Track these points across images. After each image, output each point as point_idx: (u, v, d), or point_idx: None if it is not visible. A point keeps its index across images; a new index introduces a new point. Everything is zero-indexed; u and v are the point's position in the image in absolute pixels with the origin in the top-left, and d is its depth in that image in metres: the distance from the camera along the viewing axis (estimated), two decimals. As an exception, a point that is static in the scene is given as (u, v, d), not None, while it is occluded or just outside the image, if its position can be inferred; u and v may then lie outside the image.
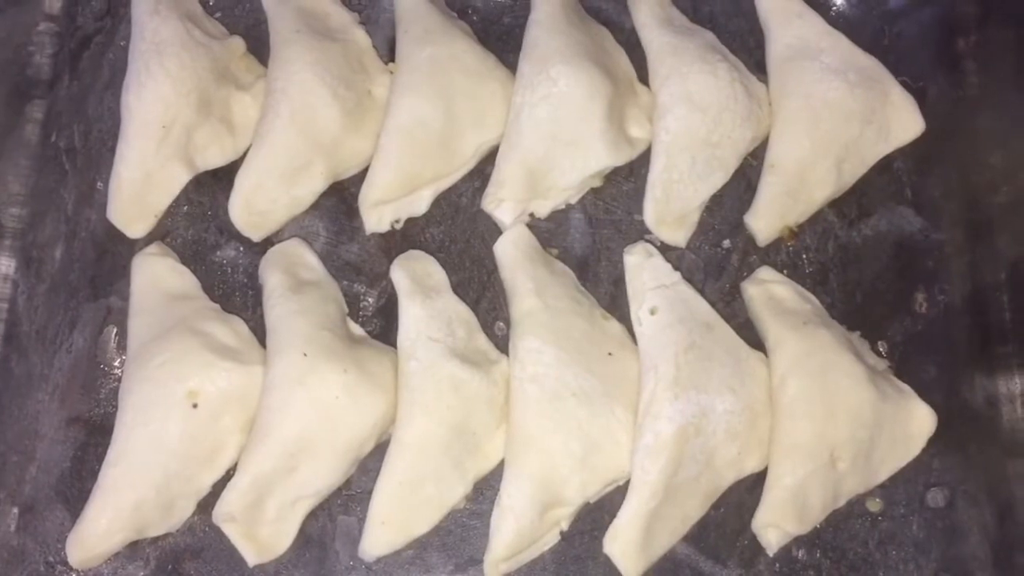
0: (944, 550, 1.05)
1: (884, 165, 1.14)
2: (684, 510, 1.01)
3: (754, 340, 1.07)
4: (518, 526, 0.98)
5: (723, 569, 1.03)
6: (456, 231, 1.13)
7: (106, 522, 0.98)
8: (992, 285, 1.11)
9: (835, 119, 1.11)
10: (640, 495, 0.98)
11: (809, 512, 1.00)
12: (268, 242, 1.11)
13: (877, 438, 1.02)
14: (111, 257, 1.12)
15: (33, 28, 1.18)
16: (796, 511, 0.99)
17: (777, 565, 1.03)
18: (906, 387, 1.06)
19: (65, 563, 1.00)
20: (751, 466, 1.02)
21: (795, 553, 1.04)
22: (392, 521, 0.99)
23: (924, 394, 1.06)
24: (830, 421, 1.00)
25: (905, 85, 1.14)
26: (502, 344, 1.07)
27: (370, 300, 1.11)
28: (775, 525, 1.00)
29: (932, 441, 1.05)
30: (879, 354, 1.09)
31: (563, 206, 1.13)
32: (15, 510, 1.04)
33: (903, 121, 1.13)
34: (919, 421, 1.04)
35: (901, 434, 1.04)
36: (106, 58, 1.18)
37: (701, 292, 1.08)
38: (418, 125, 1.09)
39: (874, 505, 1.05)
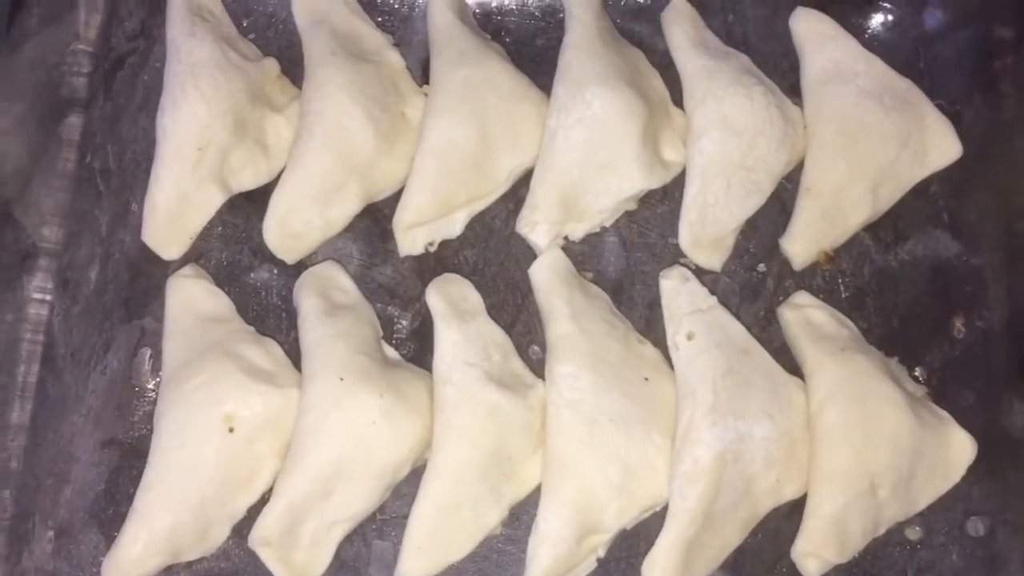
0: (984, 579, 1.04)
1: (920, 189, 1.13)
2: (722, 537, 1.00)
3: (790, 365, 1.06)
4: (555, 553, 0.97)
5: (760, 597, 1.03)
6: (490, 254, 1.12)
7: (141, 546, 0.98)
8: (1031, 310, 1.10)
9: (871, 143, 1.10)
10: (679, 522, 0.97)
11: (849, 540, 0.99)
12: (302, 264, 1.11)
13: (917, 465, 1.01)
14: (145, 279, 1.11)
15: (67, 49, 1.18)
16: (836, 540, 0.98)
17: (814, 594, 1.03)
18: (945, 414, 1.05)
19: (100, 587, 1.00)
20: (789, 493, 1.02)
21: (833, 581, 1.03)
22: (428, 546, 0.99)
23: (962, 421, 1.04)
24: (870, 448, 0.99)
25: (941, 108, 1.14)
26: (537, 368, 1.06)
27: (404, 323, 1.10)
28: (815, 554, 0.99)
29: (971, 469, 1.04)
30: (917, 380, 1.08)
31: (597, 229, 1.12)
32: (50, 533, 1.04)
33: (940, 145, 1.13)
34: (958, 448, 1.03)
35: (941, 461, 1.03)
36: (140, 79, 1.18)
37: (736, 316, 1.07)
38: (452, 147, 1.08)
39: (913, 533, 1.04)
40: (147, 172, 1.11)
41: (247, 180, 1.12)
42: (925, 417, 1.02)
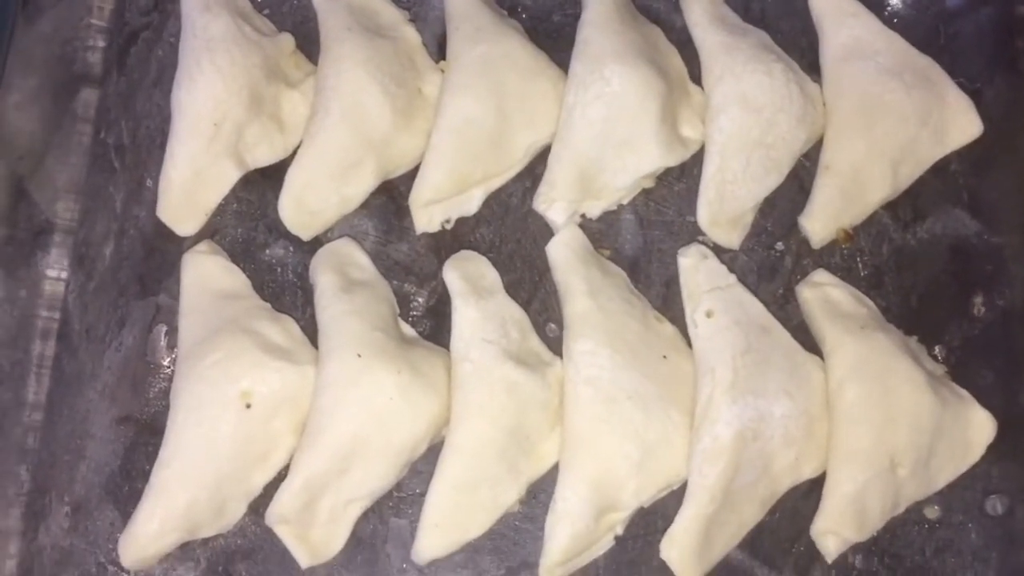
0: (1003, 558, 1.03)
1: (940, 167, 1.12)
2: (741, 516, 1.00)
3: (809, 343, 1.05)
4: (574, 531, 0.97)
5: (779, 575, 1.02)
6: (507, 231, 1.12)
7: (158, 523, 0.97)
8: (1051, 289, 1.10)
9: (891, 121, 1.09)
10: (698, 500, 0.97)
11: (868, 519, 0.99)
12: (317, 241, 1.10)
13: (936, 444, 1.01)
14: (160, 255, 1.11)
15: (81, 23, 1.17)
16: (855, 518, 0.98)
17: (833, 572, 1.02)
18: (965, 393, 1.04)
19: (116, 563, 1.00)
20: (808, 472, 1.01)
21: (851, 560, 1.02)
22: (445, 524, 0.98)
23: (982, 400, 1.04)
24: (889, 426, 0.98)
25: (961, 86, 1.13)
26: (555, 346, 1.06)
27: (420, 300, 1.10)
28: (834, 532, 0.99)
29: (991, 448, 1.03)
30: (936, 359, 1.07)
31: (615, 207, 1.12)
32: (66, 509, 1.04)
33: (960, 123, 1.12)
34: (978, 427, 1.03)
35: (960, 440, 1.02)
36: (154, 54, 1.17)
37: (754, 295, 1.06)
38: (469, 124, 1.08)
39: (932, 512, 1.04)
40: (162, 148, 1.10)
41: (262, 156, 1.11)
42: (945, 396, 1.02)
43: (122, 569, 1.01)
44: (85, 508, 1.04)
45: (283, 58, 1.13)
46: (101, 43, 1.18)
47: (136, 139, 1.15)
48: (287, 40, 1.14)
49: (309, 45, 1.16)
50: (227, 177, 1.10)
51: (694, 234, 1.11)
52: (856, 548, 1.01)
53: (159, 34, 1.18)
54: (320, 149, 1.08)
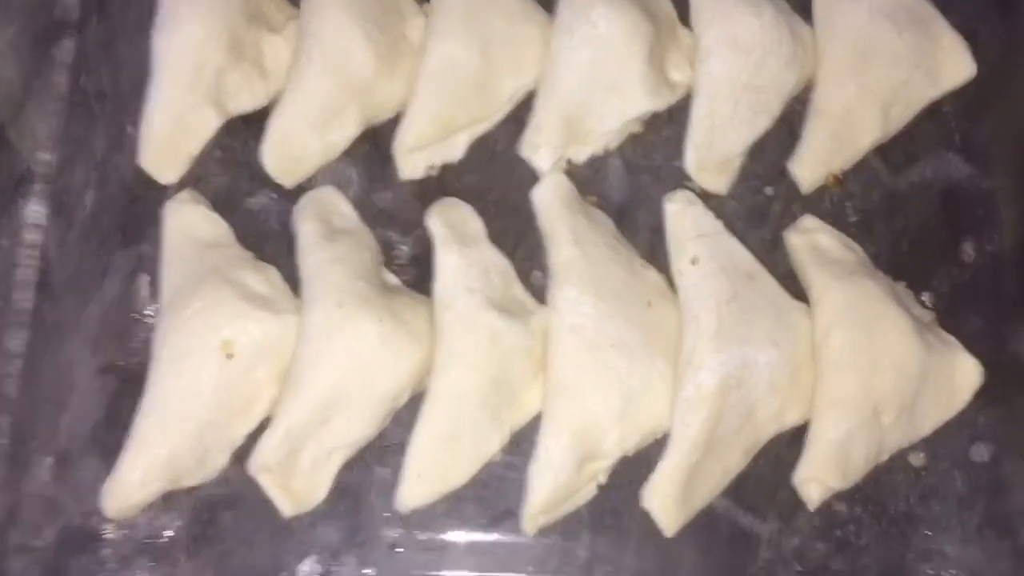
0: (988, 505, 1.03)
1: (932, 110, 1.11)
2: (724, 464, 0.99)
3: (796, 290, 1.05)
4: (556, 480, 0.96)
5: (762, 523, 1.02)
6: (492, 178, 1.10)
7: (140, 472, 0.97)
8: (1043, 234, 1.08)
9: (883, 63, 1.08)
10: (680, 448, 0.97)
11: (852, 466, 0.98)
12: (301, 189, 1.09)
13: (922, 391, 1.00)
14: (142, 204, 1.09)
15: (59, -32, 1.15)
16: (839, 465, 0.98)
17: (816, 519, 1.02)
18: (952, 339, 1.03)
19: (100, 513, 1.00)
20: (792, 420, 1.01)
21: (835, 507, 1.02)
22: (428, 473, 0.98)
23: (970, 346, 1.03)
24: (875, 374, 0.98)
25: (956, 26, 1.11)
26: (539, 294, 1.05)
27: (404, 248, 1.08)
28: (817, 480, 0.98)
29: (978, 394, 1.03)
30: (924, 305, 1.07)
31: (601, 152, 1.10)
32: (50, 460, 1.03)
33: (953, 64, 1.10)
34: (965, 374, 1.02)
35: (946, 387, 1.02)
36: (134, -1, 1.15)
37: (742, 241, 1.05)
38: (453, 69, 1.06)
39: (917, 459, 1.03)
40: (142, 95, 1.08)
41: (245, 103, 1.10)
42: (932, 342, 1.01)
43: (106, 519, 1.01)
44: (68, 459, 1.03)
45: (264, 2, 1.11)
46: (80, -12, 1.16)
47: (117, 86, 1.13)
48: (268, -17, 1.12)
49: (292, -12, 1.14)
50: (208, 124, 1.08)
51: (682, 180, 1.09)
52: (840, 495, 1.01)
53: (139, -23, 1.16)
54: (302, 96, 1.06)
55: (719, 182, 1.08)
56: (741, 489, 1.02)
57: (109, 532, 1.01)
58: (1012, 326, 1.07)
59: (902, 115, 1.09)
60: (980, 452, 1.04)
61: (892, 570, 1.02)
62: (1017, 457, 1.04)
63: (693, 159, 1.07)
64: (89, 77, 1.14)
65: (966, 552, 1.02)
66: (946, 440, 1.04)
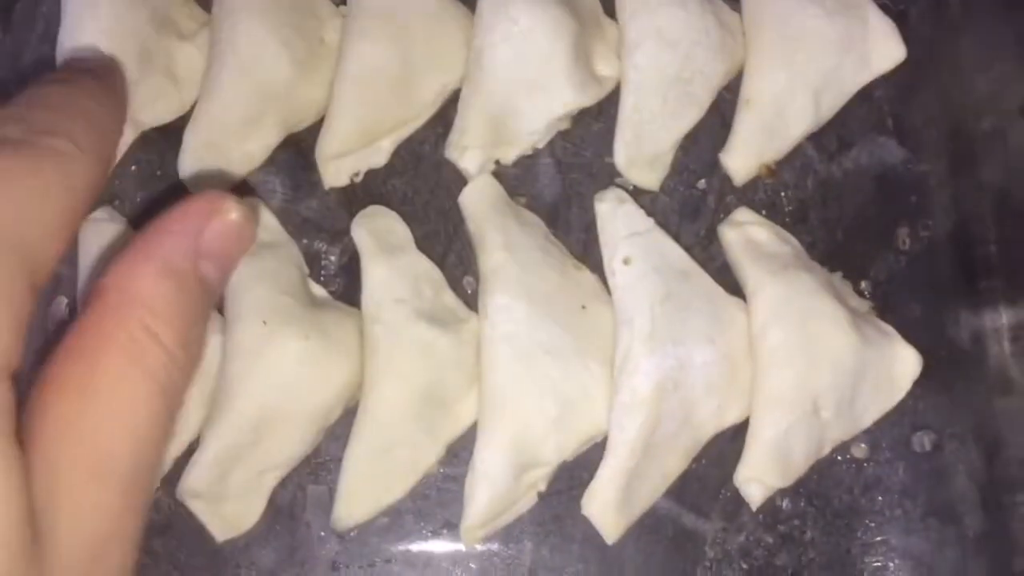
0: (931, 493, 1.02)
1: (864, 94, 1.09)
2: (664, 467, 0.98)
3: (734, 284, 1.03)
4: (493, 491, 0.95)
5: (706, 522, 1.01)
6: (419, 182, 1.07)
7: (67, 503, 0.95)
8: (976, 216, 1.07)
9: (812, 49, 1.05)
10: (618, 454, 0.95)
11: (792, 464, 0.97)
12: (222, 201, 1.05)
13: (861, 384, 0.99)
14: (57, 224, 1.06)
15: (-40, -17, 1.11)
16: (779, 464, 0.96)
17: (761, 516, 1.01)
18: (890, 329, 1.02)
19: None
20: (732, 418, 0.99)
21: (779, 503, 1.01)
22: (363, 490, 0.96)
23: (908, 334, 1.02)
24: (812, 369, 0.96)
25: (885, 9, 1.08)
26: (471, 300, 1.03)
27: (332, 258, 1.06)
28: (757, 479, 0.97)
29: (917, 383, 1.01)
30: (862, 294, 1.05)
31: (530, 151, 1.08)
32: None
33: (883, 48, 1.08)
34: (903, 364, 1.01)
35: (885, 378, 1.00)
36: (39, 10, 1.11)
37: (676, 236, 1.04)
38: (373, 72, 1.03)
39: (859, 451, 1.02)
40: (54, 109, 1.05)
41: (159, 114, 1.06)
42: (869, 334, 1.00)
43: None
44: None
45: (174, 8, 1.07)
46: (-18, 2, 1.12)
47: (26, 100, 1.09)
48: (178, -11, 1.08)
49: (204, -8, 1.10)
50: (123, 139, 1.04)
51: (613, 176, 1.07)
52: (783, 491, 1.00)
53: (44, -14, 1.12)
54: (217, 105, 1.03)
55: (651, 177, 1.06)
56: (684, 489, 1.01)
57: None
58: (949, 312, 1.06)
59: (834, 101, 1.07)
60: (921, 441, 1.03)
61: (838, 563, 1.01)
62: (958, 444, 1.03)
63: (623, 155, 1.05)
64: (-2, 92, 1.10)
65: (911, 541, 1.02)
66: (888, 430, 1.03)
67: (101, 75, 0.69)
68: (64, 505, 0.49)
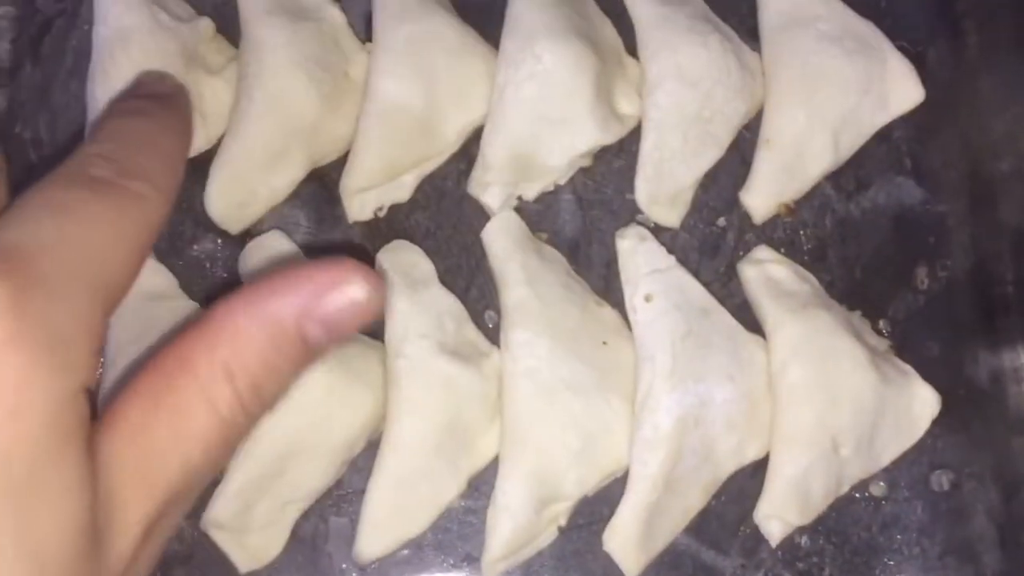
0: (949, 532, 1.03)
1: (883, 134, 1.10)
2: (684, 502, 0.98)
3: (752, 321, 1.04)
4: (515, 524, 0.95)
5: (725, 559, 1.01)
6: (442, 217, 1.09)
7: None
8: (994, 256, 1.08)
9: (832, 90, 1.06)
10: (639, 489, 0.95)
11: (812, 501, 0.98)
12: (248, 234, 1.06)
13: (880, 422, 0.99)
14: (84, 255, 1.07)
15: (-9, 15, 1.13)
16: (799, 501, 0.97)
17: (779, 553, 1.01)
18: (909, 368, 1.03)
19: None
20: (751, 454, 1.00)
21: (798, 540, 1.02)
22: (385, 523, 0.97)
23: (927, 373, 1.02)
24: (832, 407, 0.97)
25: (904, 51, 1.09)
26: (493, 334, 1.04)
27: (355, 291, 1.06)
28: (777, 516, 0.98)
29: (936, 422, 1.02)
30: (880, 333, 1.06)
31: (552, 188, 1.09)
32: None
33: (902, 89, 1.09)
34: (922, 403, 1.02)
35: (904, 417, 1.01)
36: (69, 43, 1.12)
37: (696, 273, 1.04)
38: (398, 108, 1.04)
39: (878, 489, 1.03)
40: (80, 140, 1.05)
41: (185, 148, 1.07)
42: (888, 372, 1.00)
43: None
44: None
45: (203, 44, 1.09)
46: (12, 33, 1.13)
47: (54, 132, 1.10)
48: (206, 25, 1.09)
49: (231, 27, 1.11)
50: (150, 172, 1.05)
51: (634, 213, 1.08)
52: (802, 528, 1.00)
53: (73, 21, 1.13)
54: (244, 139, 1.04)
55: (671, 215, 1.07)
56: (703, 525, 1.01)
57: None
58: (967, 351, 1.06)
59: (852, 142, 1.08)
60: (940, 480, 1.03)
61: (856, 600, 1.02)
62: (977, 483, 1.04)
63: (644, 192, 1.06)
64: (25, 124, 1.11)
65: (929, 580, 1.02)
66: (907, 469, 1.03)
67: (174, 105, 0.71)
68: (117, 512, 0.52)
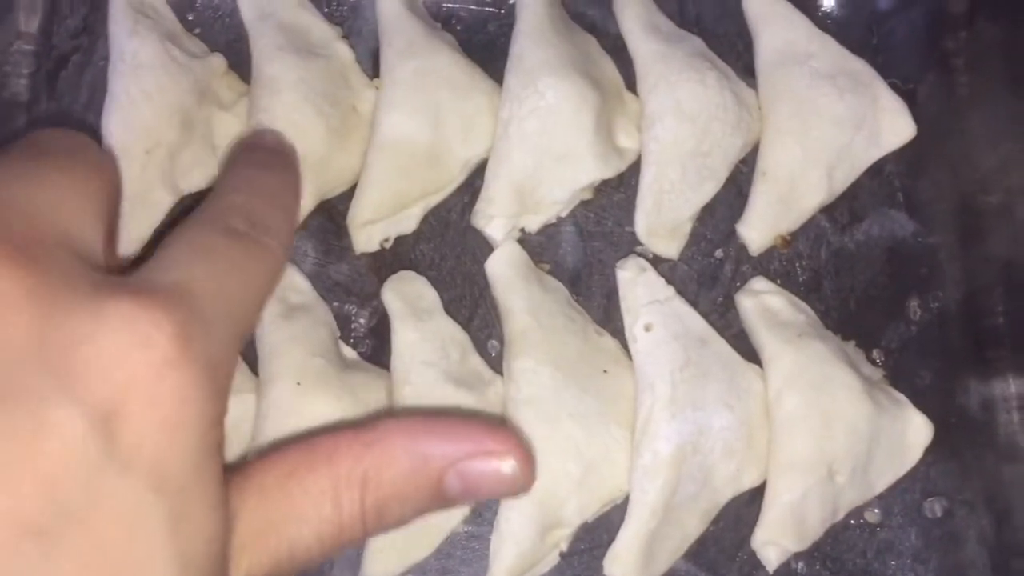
0: (942, 559, 1.05)
1: (875, 169, 1.13)
2: (683, 529, 1.01)
3: (749, 350, 1.06)
4: (519, 550, 0.97)
5: (723, 584, 1.04)
6: (446, 248, 1.11)
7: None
8: (985, 288, 1.10)
9: (825, 126, 1.10)
10: (639, 516, 0.98)
11: (808, 528, 1.00)
12: (256, 264, 1.09)
13: (874, 450, 1.02)
14: (96, 285, 1.09)
15: (8, 48, 1.15)
16: (795, 528, 0.99)
17: (776, 578, 1.04)
18: (902, 397, 1.05)
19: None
20: (749, 481, 1.02)
21: (794, 566, 1.04)
22: (391, 548, 0.99)
23: (919, 402, 1.05)
24: (827, 435, 0.99)
25: (895, 87, 1.13)
26: (496, 363, 1.06)
27: (361, 321, 1.09)
28: (774, 542, 1.00)
29: (928, 450, 1.04)
30: (874, 363, 1.09)
31: (554, 220, 1.12)
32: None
33: (894, 125, 1.12)
34: (915, 431, 1.04)
35: (898, 445, 1.04)
36: (84, 78, 1.15)
37: (695, 303, 1.07)
38: (404, 142, 1.07)
39: (872, 516, 1.05)
40: (96, 174, 1.09)
41: (197, 181, 1.10)
42: (882, 401, 1.03)
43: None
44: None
45: (215, 79, 1.12)
46: (29, 68, 1.15)
47: (69, 165, 1.13)
48: (218, 61, 1.13)
49: (242, 63, 1.14)
50: (161, 204, 1.08)
51: (633, 244, 1.11)
52: (799, 554, 1.03)
53: (89, 56, 1.16)
54: (254, 173, 1.07)
55: (670, 247, 1.10)
56: (702, 551, 1.03)
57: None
58: (959, 381, 1.09)
59: (846, 176, 1.11)
60: (932, 507, 1.06)
61: (851, 625, 1.04)
62: (968, 510, 1.06)
63: (643, 225, 1.09)
64: (41, 157, 1.13)
65: (923, 605, 1.04)
66: (900, 496, 1.06)
67: (292, 164, 0.75)
68: (232, 553, 0.55)
